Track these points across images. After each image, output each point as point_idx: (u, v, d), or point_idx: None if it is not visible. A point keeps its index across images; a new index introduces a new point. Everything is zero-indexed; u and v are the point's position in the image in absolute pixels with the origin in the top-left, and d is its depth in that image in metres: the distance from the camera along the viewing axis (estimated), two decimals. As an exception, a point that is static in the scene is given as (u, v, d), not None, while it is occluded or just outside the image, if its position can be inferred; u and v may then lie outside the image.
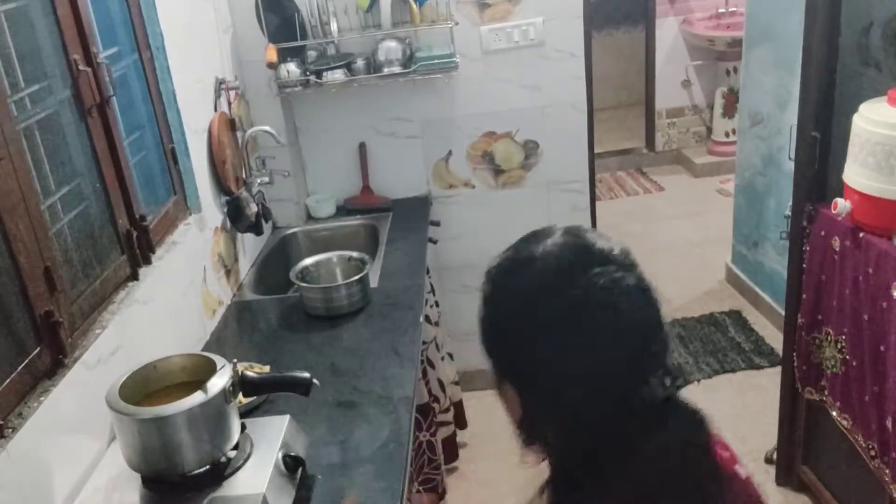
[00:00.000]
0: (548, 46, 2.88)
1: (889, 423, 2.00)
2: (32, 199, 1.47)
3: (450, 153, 3.04)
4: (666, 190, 5.40)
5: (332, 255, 2.43)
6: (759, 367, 3.39)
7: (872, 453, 2.11)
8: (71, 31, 1.67)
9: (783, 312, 2.60)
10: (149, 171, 2.08)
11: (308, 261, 2.40)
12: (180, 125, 2.16)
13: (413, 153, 3.03)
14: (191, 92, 2.23)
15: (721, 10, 5.33)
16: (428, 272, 2.62)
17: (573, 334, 0.87)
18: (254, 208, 2.47)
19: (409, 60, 2.76)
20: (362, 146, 2.99)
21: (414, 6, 2.71)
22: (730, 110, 5.30)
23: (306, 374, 1.57)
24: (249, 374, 1.52)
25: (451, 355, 2.97)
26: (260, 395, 1.76)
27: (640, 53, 5.87)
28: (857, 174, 1.99)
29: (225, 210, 2.41)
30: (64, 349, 1.50)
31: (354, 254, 2.41)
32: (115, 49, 1.94)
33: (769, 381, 3.17)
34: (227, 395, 1.44)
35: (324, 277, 2.36)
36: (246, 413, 1.76)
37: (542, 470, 0.96)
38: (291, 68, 2.71)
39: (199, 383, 1.44)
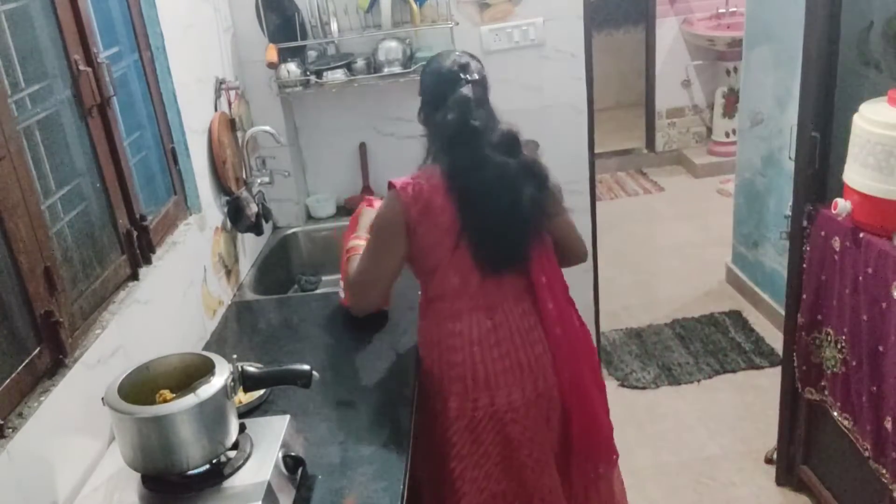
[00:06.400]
0: (548, 47, 2.88)
1: (888, 424, 2.00)
2: (32, 198, 1.47)
3: (450, 153, 3.03)
4: (666, 190, 5.40)
5: None
6: (759, 367, 3.39)
7: (867, 454, 2.12)
8: (71, 30, 1.67)
9: (783, 312, 2.60)
10: (149, 171, 2.08)
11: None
12: (180, 125, 2.16)
13: (414, 153, 3.01)
14: (191, 92, 2.23)
15: (721, 10, 5.33)
16: (428, 272, 2.61)
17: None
18: (254, 208, 2.47)
19: (409, 60, 2.76)
20: (363, 146, 2.98)
21: (414, 6, 2.71)
22: (730, 110, 5.30)
23: (306, 367, 1.57)
24: (249, 368, 1.53)
25: (451, 355, 2.96)
26: (260, 388, 1.75)
27: (640, 53, 5.87)
28: (858, 174, 1.99)
29: (225, 210, 2.41)
30: (64, 349, 1.50)
31: None
32: (115, 49, 1.94)
33: (769, 381, 3.17)
34: (227, 390, 1.44)
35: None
36: (246, 413, 1.77)
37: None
38: (292, 68, 2.72)
39: (198, 381, 1.44)
